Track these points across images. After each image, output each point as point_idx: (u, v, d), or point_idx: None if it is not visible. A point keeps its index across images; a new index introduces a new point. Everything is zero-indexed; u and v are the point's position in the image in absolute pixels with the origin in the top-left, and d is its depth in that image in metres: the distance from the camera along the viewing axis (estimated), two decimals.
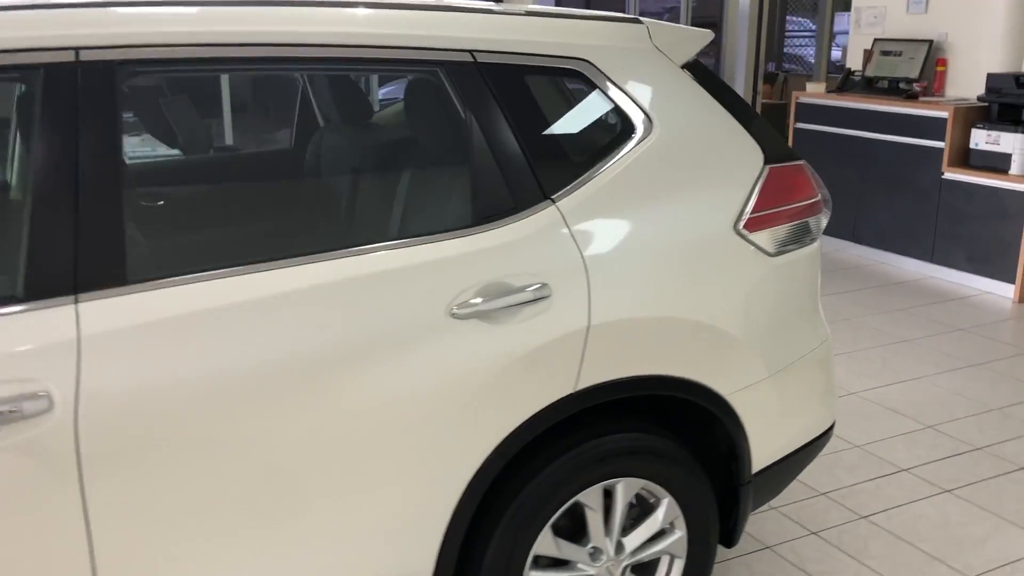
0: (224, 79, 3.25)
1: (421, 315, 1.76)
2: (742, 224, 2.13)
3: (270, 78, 3.33)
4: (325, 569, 1.78)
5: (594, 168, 1.99)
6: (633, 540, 2.15)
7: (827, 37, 8.37)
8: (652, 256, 2.01)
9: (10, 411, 1.46)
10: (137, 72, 1.66)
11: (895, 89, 6.22)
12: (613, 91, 2.03)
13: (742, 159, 2.18)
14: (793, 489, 3.15)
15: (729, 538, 2.32)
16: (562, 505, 2.01)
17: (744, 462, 2.22)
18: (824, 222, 2.35)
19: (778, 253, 2.20)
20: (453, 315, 1.78)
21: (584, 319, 1.91)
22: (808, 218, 2.28)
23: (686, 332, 2.04)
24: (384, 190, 2.06)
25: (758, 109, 8.19)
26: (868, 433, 3.58)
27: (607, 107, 2.04)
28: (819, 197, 2.32)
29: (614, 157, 2.01)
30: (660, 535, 2.21)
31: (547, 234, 1.90)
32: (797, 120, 6.63)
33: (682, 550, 2.22)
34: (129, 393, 1.54)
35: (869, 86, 6.41)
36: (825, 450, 3.40)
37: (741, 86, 7.98)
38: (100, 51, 1.59)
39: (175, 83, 2.47)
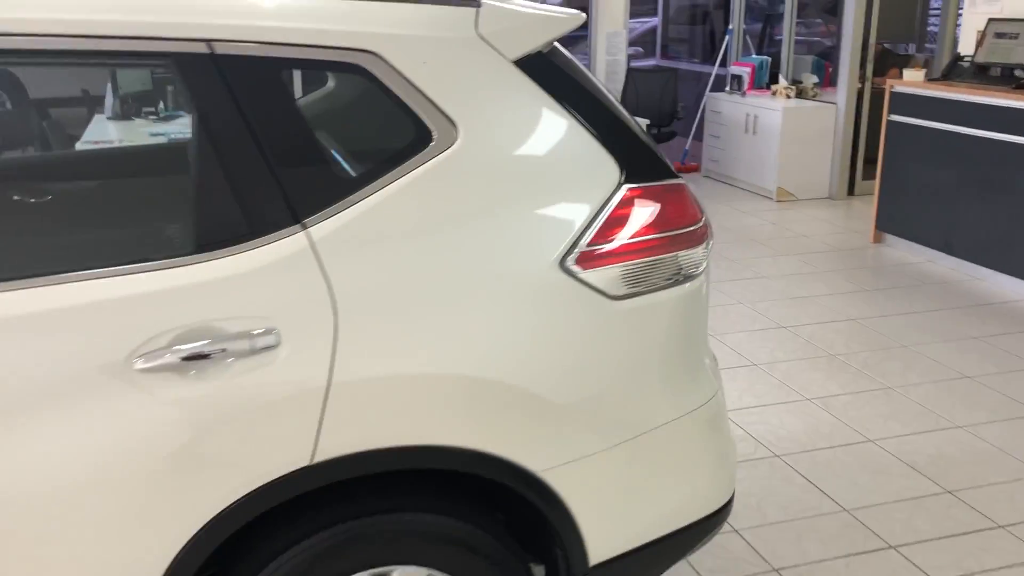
0: None
1: (91, 367, 1.45)
2: (572, 259, 1.70)
3: None
4: None
5: (368, 185, 1.61)
6: None
7: (952, 15, 7.41)
8: (434, 298, 1.61)
9: None
10: None
11: (1008, 77, 5.37)
12: (405, 91, 1.63)
13: (585, 177, 1.74)
14: (738, 556, 2.65)
15: None
16: None
17: (574, 553, 1.80)
18: (704, 256, 1.87)
19: (626, 296, 1.76)
20: (140, 368, 1.46)
21: (324, 375, 1.54)
22: (678, 251, 1.81)
23: (477, 393, 1.64)
24: (68, 209, 1.75)
25: (866, 98, 7.37)
26: (865, 494, 3.01)
27: (396, 110, 1.65)
28: (699, 225, 1.85)
29: (396, 172, 1.63)
30: None
31: (286, 267, 1.55)
32: (892, 112, 5.86)
33: None
34: None
35: (980, 74, 5.57)
36: (801, 511, 2.88)
37: (846, 71, 7.19)
38: None
39: None
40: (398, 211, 1.61)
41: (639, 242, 1.77)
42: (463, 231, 1.64)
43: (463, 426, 1.64)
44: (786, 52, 8.10)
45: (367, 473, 1.62)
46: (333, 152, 1.64)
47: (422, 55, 1.66)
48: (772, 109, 7.32)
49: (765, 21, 9.08)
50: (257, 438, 1.52)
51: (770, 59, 8.16)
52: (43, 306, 1.44)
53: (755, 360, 4.10)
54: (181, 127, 1.59)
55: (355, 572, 1.68)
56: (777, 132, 7.27)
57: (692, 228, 1.84)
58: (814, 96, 7.61)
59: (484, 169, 1.67)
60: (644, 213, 1.78)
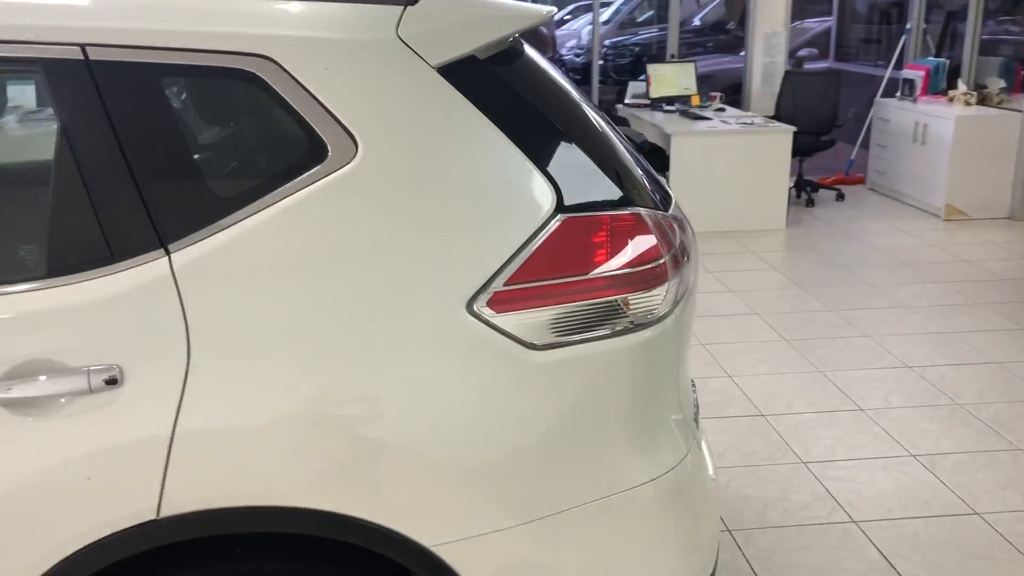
0: None
1: None
2: (483, 300, 1.44)
3: None
4: None
5: (245, 207, 1.42)
6: None
7: None
8: (310, 340, 1.40)
9: None
10: None
11: None
12: (301, 100, 1.43)
13: (511, 204, 1.48)
14: None
15: None
16: None
17: None
18: (666, 299, 1.56)
19: (551, 346, 1.48)
20: None
21: (169, 420, 1.37)
22: (627, 293, 1.51)
23: (355, 452, 1.42)
24: None
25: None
26: None
27: (289, 122, 1.45)
28: (657, 264, 1.54)
29: (279, 192, 1.43)
30: None
31: (141, 297, 1.38)
32: None
33: None
34: None
35: None
36: None
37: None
38: None
39: None
40: (276, 238, 1.41)
41: (573, 282, 1.48)
42: (353, 264, 1.42)
43: (335, 488, 1.42)
44: (969, 53, 7.27)
45: (225, 533, 1.44)
46: (213, 169, 1.47)
47: (324, 60, 1.45)
48: (944, 117, 6.57)
49: (947, 18, 8.20)
50: (93, 487, 1.37)
51: (948, 62, 7.35)
52: None
53: (862, 404, 3.61)
54: (43, 137, 1.45)
55: None
56: (948, 142, 6.51)
57: (646, 267, 1.53)
58: (999, 103, 6.77)
59: (384, 192, 1.44)
60: (583, 248, 1.50)
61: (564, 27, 12.51)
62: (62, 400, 1.36)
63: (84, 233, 1.40)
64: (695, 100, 7.23)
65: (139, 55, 1.42)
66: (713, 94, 7.53)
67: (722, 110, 7.14)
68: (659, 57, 8.97)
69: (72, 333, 1.37)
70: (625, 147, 1.76)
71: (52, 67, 1.41)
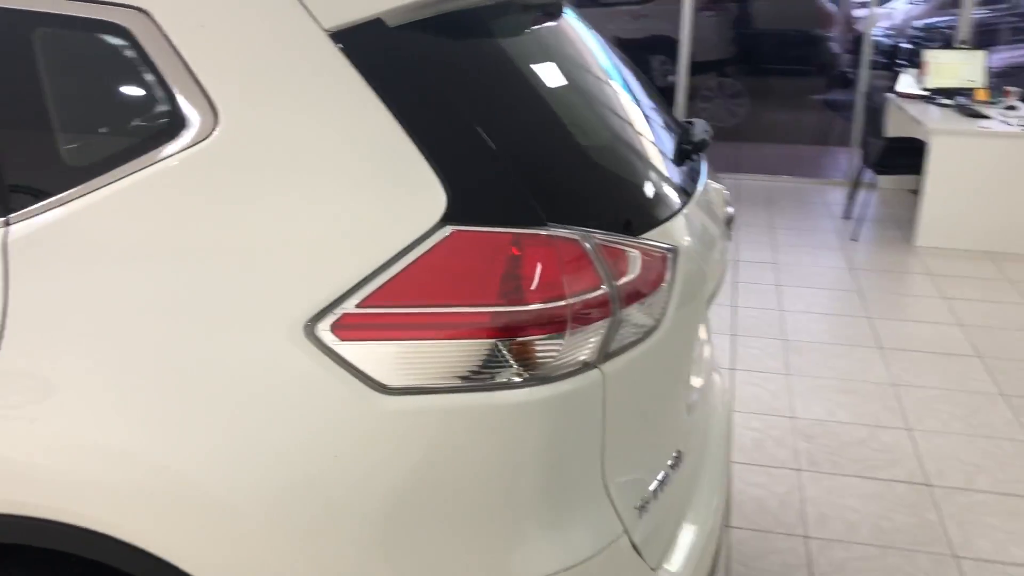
0: None
1: None
2: (328, 322, 1.17)
3: None
4: None
5: (91, 181, 1.25)
6: None
7: None
8: (119, 346, 1.21)
9: None
10: None
11: None
12: (169, 61, 1.23)
13: (389, 205, 1.19)
14: None
15: None
16: None
17: None
18: (590, 344, 1.22)
19: (410, 391, 1.17)
20: None
21: None
22: (531, 336, 1.17)
23: (146, 478, 1.21)
24: None
25: None
26: None
27: (155, 86, 1.25)
28: (571, 301, 1.19)
29: (127, 168, 1.24)
30: None
31: None
32: None
33: None
34: None
35: None
36: None
37: None
38: None
39: None
40: (112, 219, 1.23)
41: (449, 314, 1.17)
42: (184, 259, 1.21)
43: (102, 507, 1.23)
44: None
45: None
46: (68, 135, 1.30)
47: (201, 17, 1.24)
48: None
49: None
50: None
51: None
52: None
53: None
54: None
55: None
56: None
57: (561, 303, 1.18)
58: None
59: (239, 177, 1.21)
60: (472, 271, 1.17)
61: (886, 4, 11.41)
62: None
63: None
64: (981, 95, 6.18)
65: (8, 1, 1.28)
66: (1008, 89, 6.40)
67: (1013, 108, 6.05)
68: (988, 42, 7.82)
69: None
70: (639, 150, 1.42)
71: None
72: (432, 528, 1.20)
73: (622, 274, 1.26)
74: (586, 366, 1.22)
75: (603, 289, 1.22)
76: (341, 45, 1.21)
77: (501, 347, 1.17)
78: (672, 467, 1.49)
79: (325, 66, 1.21)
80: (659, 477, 1.45)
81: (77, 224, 1.24)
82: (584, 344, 1.20)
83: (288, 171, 1.20)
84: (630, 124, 1.60)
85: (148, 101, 1.26)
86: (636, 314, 1.29)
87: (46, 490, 1.23)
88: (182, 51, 1.23)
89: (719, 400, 2.00)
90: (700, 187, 1.72)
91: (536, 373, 1.18)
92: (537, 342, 1.17)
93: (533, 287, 1.17)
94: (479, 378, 1.17)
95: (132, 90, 1.29)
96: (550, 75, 1.44)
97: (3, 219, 1.27)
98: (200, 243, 1.20)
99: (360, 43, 1.22)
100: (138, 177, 1.23)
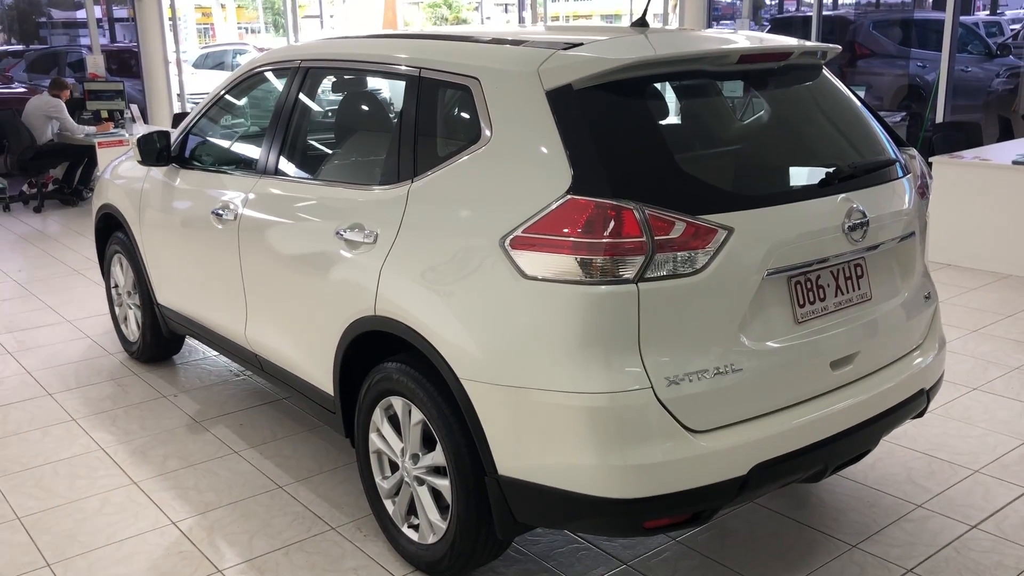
0: None
1: None
2: (509, 239, 2.28)
3: None
4: None
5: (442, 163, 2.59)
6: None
7: None
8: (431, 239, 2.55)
9: None
10: None
11: None
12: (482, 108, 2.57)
13: (545, 181, 2.27)
14: None
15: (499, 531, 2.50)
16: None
17: (485, 454, 2.37)
18: (628, 269, 2.17)
19: (535, 278, 2.23)
20: None
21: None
22: (596, 256, 2.17)
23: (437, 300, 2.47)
24: None
25: None
26: None
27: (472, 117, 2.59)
28: (631, 242, 2.16)
29: (457, 155, 2.56)
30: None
31: None
32: None
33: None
34: None
35: None
36: None
37: None
38: None
39: None
40: (446, 182, 2.62)
41: (565, 240, 2.24)
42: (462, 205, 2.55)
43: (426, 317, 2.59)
44: None
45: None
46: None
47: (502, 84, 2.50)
48: None
49: None
50: None
51: None
52: None
53: None
54: None
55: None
56: None
57: (623, 242, 2.17)
58: None
59: (502, 166, 2.46)
60: (578, 220, 2.22)
61: None
62: None
63: None
64: None
65: None
66: None
67: None
68: None
69: None
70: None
71: None
72: (532, 348, 2.26)
73: (663, 232, 2.13)
74: (626, 281, 2.14)
75: (642, 238, 2.11)
76: (549, 99, 2.32)
77: (597, 262, 2.16)
78: (720, 372, 2.27)
79: (541, 109, 2.31)
80: (697, 370, 2.23)
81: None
82: (625, 266, 2.12)
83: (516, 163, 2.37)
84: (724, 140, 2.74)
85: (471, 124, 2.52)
86: (670, 260, 2.16)
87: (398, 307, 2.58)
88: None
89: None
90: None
91: (603, 278, 2.16)
92: (619, 260, 2.15)
93: (605, 229, 2.15)
94: (568, 276, 2.19)
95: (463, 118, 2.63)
96: (660, 112, 2.49)
97: None
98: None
99: (555, 97, 2.31)
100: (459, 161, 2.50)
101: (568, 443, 2.22)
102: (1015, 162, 5.94)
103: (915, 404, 2.74)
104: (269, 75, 3.65)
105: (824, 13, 9.83)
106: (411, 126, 2.70)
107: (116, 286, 4.73)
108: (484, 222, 2.36)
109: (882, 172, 2.68)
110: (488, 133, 2.42)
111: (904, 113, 8.64)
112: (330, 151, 3.42)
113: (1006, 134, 8.35)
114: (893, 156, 2.77)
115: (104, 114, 9.54)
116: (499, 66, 2.48)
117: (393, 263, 2.61)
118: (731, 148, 2.75)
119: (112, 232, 4.61)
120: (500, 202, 2.35)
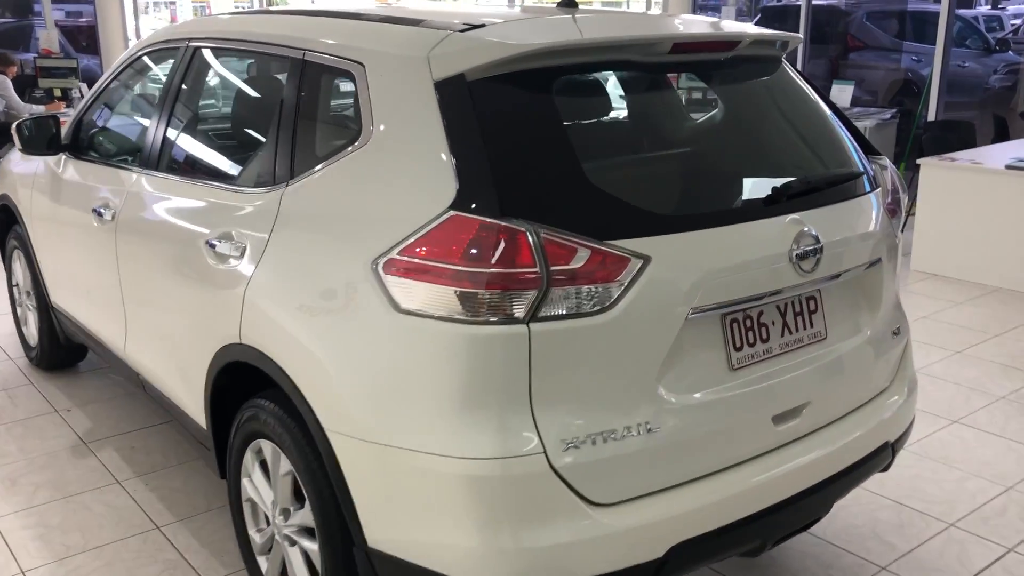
0: None
1: None
2: (382, 263, 1.85)
3: None
4: None
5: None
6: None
7: None
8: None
9: None
10: None
11: None
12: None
13: (425, 194, 1.84)
14: None
15: None
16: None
17: (352, 520, 1.97)
18: (518, 306, 1.69)
19: (408, 312, 1.80)
20: None
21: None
22: (478, 289, 1.70)
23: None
24: None
25: None
26: None
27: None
28: (522, 272, 1.68)
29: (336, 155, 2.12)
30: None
31: None
32: None
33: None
34: None
35: None
36: None
37: None
38: None
39: None
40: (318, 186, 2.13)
41: (444, 268, 1.78)
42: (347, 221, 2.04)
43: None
44: None
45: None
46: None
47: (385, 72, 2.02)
48: None
49: None
50: None
51: None
52: None
53: None
54: None
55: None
56: None
57: (512, 273, 1.71)
58: None
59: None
60: (457, 244, 1.76)
61: None
62: None
63: None
64: None
65: None
66: None
67: None
68: None
69: None
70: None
71: None
72: (400, 397, 1.84)
73: (561, 261, 1.61)
74: (515, 320, 1.67)
75: (535, 268, 1.65)
76: (437, 91, 1.87)
77: (455, 293, 1.72)
78: (631, 433, 1.81)
79: (428, 104, 1.88)
80: (602, 431, 1.78)
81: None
82: (514, 303, 1.66)
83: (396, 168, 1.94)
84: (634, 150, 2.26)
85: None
86: (570, 295, 1.63)
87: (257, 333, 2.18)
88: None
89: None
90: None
91: (484, 318, 1.67)
92: (509, 294, 1.66)
93: (491, 256, 1.66)
94: (445, 312, 1.75)
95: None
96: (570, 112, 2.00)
97: None
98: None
99: (444, 90, 1.86)
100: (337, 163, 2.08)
101: (443, 517, 1.81)
102: (1009, 166, 5.54)
103: (877, 460, 2.32)
104: (159, 55, 3.22)
105: (815, 2, 9.37)
106: (291, 119, 2.28)
107: (16, 284, 4.32)
108: (356, 239, 1.92)
109: (845, 187, 2.25)
110: (370, 130, 2.00)
111: (895, 110, 8.21)
112: (208, 145, 2.98)
113: (1002, 134, 7.95)
114: (860, 167, 2.34)
115: (57, 92, 9.08)
116: (386, 49, 2.06)
117: (258, 284, 2.20)
118: (658, 157, 2.29)
119: (12, 225, 4.19)
120: (376, 215, 1.93)
